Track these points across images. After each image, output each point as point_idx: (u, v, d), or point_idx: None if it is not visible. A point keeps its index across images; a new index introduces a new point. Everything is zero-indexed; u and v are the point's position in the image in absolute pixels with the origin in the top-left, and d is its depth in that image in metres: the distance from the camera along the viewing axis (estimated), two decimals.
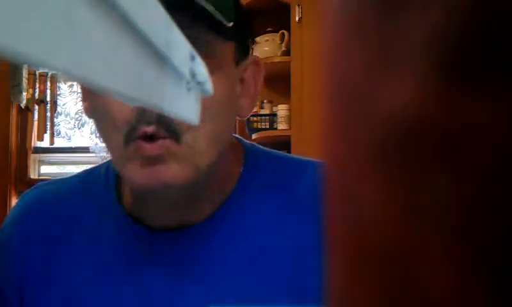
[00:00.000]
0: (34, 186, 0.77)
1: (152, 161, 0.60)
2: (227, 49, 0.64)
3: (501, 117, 0.15)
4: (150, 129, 0.59)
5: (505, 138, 0.15)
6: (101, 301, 0.67)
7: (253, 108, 0.73)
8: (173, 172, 0.60)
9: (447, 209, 0.16)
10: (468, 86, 0.15)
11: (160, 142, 0.59)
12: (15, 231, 0.72)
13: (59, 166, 3.19)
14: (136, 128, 0.59)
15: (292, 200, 0.69)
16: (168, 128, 0.59)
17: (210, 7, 0.57)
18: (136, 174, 0.61)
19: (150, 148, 0.59)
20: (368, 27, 0.17)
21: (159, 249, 0.67)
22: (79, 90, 2.89)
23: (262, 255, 0.66)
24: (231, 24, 0.61)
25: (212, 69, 0.47)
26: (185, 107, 0.32)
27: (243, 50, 0.68)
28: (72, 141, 3.00)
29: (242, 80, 0.69)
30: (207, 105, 0.51)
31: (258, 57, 0.75)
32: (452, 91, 0.15)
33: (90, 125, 2.93)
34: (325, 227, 0.20)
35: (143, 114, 0.59)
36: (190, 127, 0.59)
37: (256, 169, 0.71)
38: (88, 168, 0.81)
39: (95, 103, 0.66)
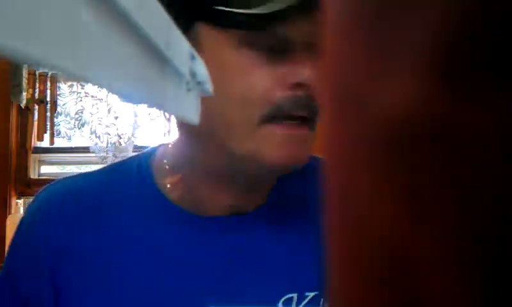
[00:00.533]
0: (54, 182, 0.77)
1: (293, 142, 0.64)
2: None
3: (493, 116, 0.15)
4: (303, 113, 0.64)
5: (497, 137, 0.15)
6: (162, 288, 0.66)
7: None
8: (307, 154, 0.66)
9: (444, 207, 0.16)
10: (463, 85, 0.15)
11: (306, 125, 0.65)
12: (49, 221, 0.71)
13: (59, 166, 3.19)
14: (282, 110, 0.62)
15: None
16: (312, 115, 0.64)
17: None
18: (273, 152, 0.63)
19: (301, 130, 0.64)
20: (367, 27, 0.17)
21: (213, 235, 0.68)
22: (79, 90, 2.89)
23: (301, 244, 0.70)
24: None
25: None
26: (185, 107, 0.32)
27: None
28: (71, 141, 3.00)
29: None
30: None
31: None
32: (450, 91, 0.15)
33: (90, 125, 2.93)
34: (325, 224, 0.20)
35: (298, 100, 0.63)
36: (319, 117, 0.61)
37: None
38: (110, 165, 0.80)
39: (224, 80, 0.63)
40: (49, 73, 2.88)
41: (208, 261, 0.68)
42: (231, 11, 0.59)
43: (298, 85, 0.63)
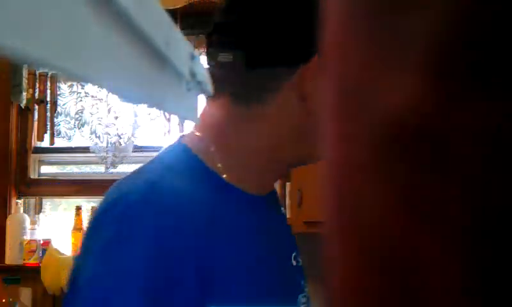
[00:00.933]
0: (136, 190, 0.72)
1: None
2: None
3: (491, 117, 0.15)
4: None
5: (495, 137, 0.15)
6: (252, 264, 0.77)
7: None
8: None
9: (446, 207, 0.16)
10: (460, 86, 0.15)
11: None
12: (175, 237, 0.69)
13: (59, 166, 3.19)
14: None
15: None
16: None
17: None
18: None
19: None
20: (367, 29, 0.17)
21: (263, 211, 0.84)
22: (79, 90, 2.89)
23: None
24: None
25: None
26: (185, 107, 0.32)
27: None
28: (71, 141, 3.00)
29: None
30: None
31: None
32: (448, 91, 0.15)
33: (90, 125, 2.93)
34: (326, 224, 0.20)
35: None
36: None
37: None
38: (161, 166, 0.80)
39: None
40: (49, 73, 2.88)
41: (276, 225, 0.87)
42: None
43: None
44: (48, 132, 2.91)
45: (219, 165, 0.80)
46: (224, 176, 0.80)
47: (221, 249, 0.73)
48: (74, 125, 2.95)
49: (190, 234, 0.70)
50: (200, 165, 0.79)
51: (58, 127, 2.95)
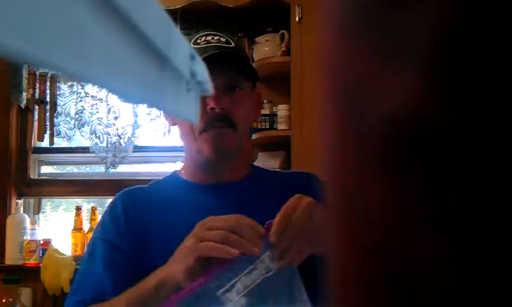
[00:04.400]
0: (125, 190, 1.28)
1: (213, 140, 1.23)
2: (250, 85, 1.26)
3: (482, 119, 0.15)
4: (219, 124, 1.20)
5: (494, 140, 0.15)
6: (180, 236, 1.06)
7: (259, 116, 1.50)
8: (225, 145, 1.24)
9: (445, 207, 0.16)
10: (460, 87, 0.15)
11: (227, 129, 1.23)
12: (124, 206, 1.20)
13: (59, 166, 3.19)
14: (208, 124, 1.20)
15: (287, 183, 1.25)
16: (227, 124, 1.21)
17: (245, 66, 1.24)
18: (205, 147, 1.23)
19: (220, 132, 1.24)
20: (367, 29, 0.17)
21: (221, 194, 1.21)
22: (79, 90, 2.89)
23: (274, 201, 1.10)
24: (252, 72, 1.26)
25: (246, 95, 1.23)
26: (185, 107, 0.32)
27: (254, 85, 1.30)
28: (71, 141, 3.00)
29: (255, 100, 1.30)
30: (242, 115, 1.22)
31: (257, 88, 1.37)
32: (449, 92, 0.15)
33: (90, 125, 2.93)
34: (327, 224, 0.20)
35: (214, 117, 1.20)
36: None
37: (259, 168, 1.39)
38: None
39: None
40: (49, 73, 2.89)
41: (203, 205, 1.18)
42: None
43: (212, 109, 1.16)
44: (48, 132, 2.92)
45: (181, 168, 1.31)
46: (183, 176, 1.28)
47: (146, 207, 1.19)
48: (74, 125, 2.95)
49: (131, 196, 1.23)
50: (174, 173, 1.31)
51: (58, 127, 2.95)
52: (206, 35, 1.24)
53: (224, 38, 1.23)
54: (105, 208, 1.27)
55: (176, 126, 1.32)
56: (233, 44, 1.23)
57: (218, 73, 1.16)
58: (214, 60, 1.14)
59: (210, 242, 0.98)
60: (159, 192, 1.25)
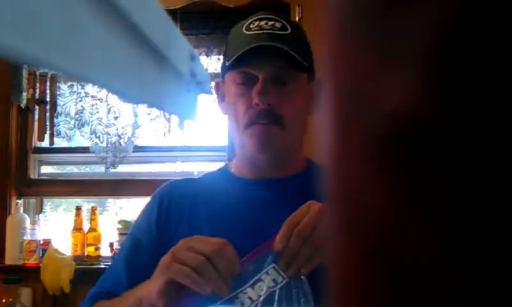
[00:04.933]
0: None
1: (260, 136, 1.16)
2: (303, 77, 1.15)
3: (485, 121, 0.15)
4: (263, 121, 1.13)
5: (495, 141, 0.15)
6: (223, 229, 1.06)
7: (316, 109, 1.25)
8: (273, 143, 1.18)
9: (446, 207, 0.16)
10: (460, 86, 0.15)
11: (273, 125, 1.14)
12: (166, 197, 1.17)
13: (59, 166, 3.19)
14: (252, 120, 1.15)
15: None
16: (272, 119, 1.14)
17: (298, 57, 1.09)
18: (250, 143, 1.17)
19: (266, 129, 1.17)
20: (367, 29, 0.17)
21: (264, 190, 1.15)
22: (79, 90, 2.89)
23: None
24: (306, 64, 1.12)
25: (298, 90, 1.13)
26: (185, 107, 0.32)
27: (312, 76, 1.18)
28: (71, 141, 3.00)
29: (311, 93, 1.19)
30: (293, 110, 1.13)
31: (320, 78, 1.23)
32: (449, 92, 0.15)
33: (90, 125, 2.93)
34: (328, 224, 0.20)
35: (259, 112, 1.12)
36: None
37: (317, 165, 1.21)
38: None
39: None
40: (49, 73, 2.88)
41: (244, 201, 1.13)
42: (225, 63, 1.15)
43: (257, 104, 1.08)
44: (48, 132, 2.91)
45: (231, 164, 1.25)
46: (232, 169, 1.22)
47: (184, 201, 1.15)
48: (74, 125, 2.94)
49: (170, 189, 1.19)
50: (224, 167, 1.26)
51: (58, 127, 2.94)
52: (260, 19, 1.14)
53: (280, 22, 1.13)
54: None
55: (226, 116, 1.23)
56: (289, 30, 1.12)
57: (265, 64, 1.08)
58: (265, 49, 1.06)
59: (185, 266, 0.93)
60: (204, 185, 1.20)
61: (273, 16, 1.16)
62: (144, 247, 1.12)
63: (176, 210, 1.15)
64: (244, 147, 1.15)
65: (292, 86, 1.12)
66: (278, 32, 1.11)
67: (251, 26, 1.13)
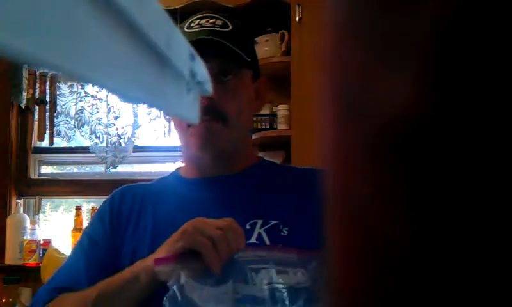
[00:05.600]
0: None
1: (201, 134, 1.16)
2: (247, 74, 1.15)
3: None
4: (207, 117, 1.13)
5: (496, 142, 0.15)
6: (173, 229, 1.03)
7: (263, 106, 1.27)
8: (214, 140, 1.17)
9: (447, 208, 0.16)
10: (459, 89, 0.15)
11: (214, 122, 1.13)
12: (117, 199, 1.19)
13: (59, 166, 3.19)
14: None
15: (294, 179, 1.15)
16: (215, 116, 1.12)
17: (241, 53, 1.08)
18: (191, 142, 1.17)
19: (208, 126, 1.16)
20: (367, 28, 0.17)
21: (208, 189, 1.14)
22: (79, 90, 2.89)
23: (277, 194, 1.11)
24: (249, 60, 1.12)
25: (240, 85, 1.12)
26: (185, 107, 0.32)
27: (256, 73, 1.19)
28: (71, 141, 3.00)
29: (256, 91, 1.19)
30: (236, 106, 1.11)
31: (264, 76, 1.25)
32: (449, 94, 0.15)
33: (90, 125, 2.93)
34: (325, 224, 0.20)
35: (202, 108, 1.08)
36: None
37: (267, 163, 1.25)
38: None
39: None
40: (49, 73, 2.88)
41: (187, 201, 1.13)
42: None
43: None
44: (48, 132, 2.92)
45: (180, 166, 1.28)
46: (180, 171, 1.23)
47: (135, 204, 1.16)
48: (74, 125, 2.95)
49: (123, 193, 1.20)
50: (176, 170, 1.26)
51: (58, 127, 2.94)
52: (201, 18, 1.13)
53: (222, 20, 1.12)
54: None
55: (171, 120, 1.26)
56: (230, 27, 1.11)
57: (206, 60, 1.03)
58: (203, 45, 1.03)
59: (206, 237, 0.91)
60: (154, 188, 1.20)
61: (215, 15, 1.14)
62: (100, 247, 1.13)
63: (125, 213, 1.15)
64: (187, 146, 1.13)
65: (235, 81, 1.10)
66: (218, 29, 1.09)
67: (192, 25, 1.12)
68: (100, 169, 2.98)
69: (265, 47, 2.69)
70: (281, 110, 2.65)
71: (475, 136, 0.15)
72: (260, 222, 1.05)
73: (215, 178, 1.14)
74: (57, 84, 2.92)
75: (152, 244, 1.06)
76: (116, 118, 2.92)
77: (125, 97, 0.23)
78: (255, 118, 2.66)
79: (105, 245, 1.13)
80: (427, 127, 0.16)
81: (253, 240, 1.03)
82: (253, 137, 2.66)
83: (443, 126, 0.16)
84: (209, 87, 0.35)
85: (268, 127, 2.67)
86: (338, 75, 0.19)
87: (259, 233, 1.04)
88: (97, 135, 2.93)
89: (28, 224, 2.79)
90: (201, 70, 0.33)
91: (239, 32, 1.12)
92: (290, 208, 1.07)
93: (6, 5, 0.14)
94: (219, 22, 1.10)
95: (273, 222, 1.05)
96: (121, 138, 2.90)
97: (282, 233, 1.04)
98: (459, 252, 0.16)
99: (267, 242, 1.03)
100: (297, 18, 2.52)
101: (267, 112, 2.69)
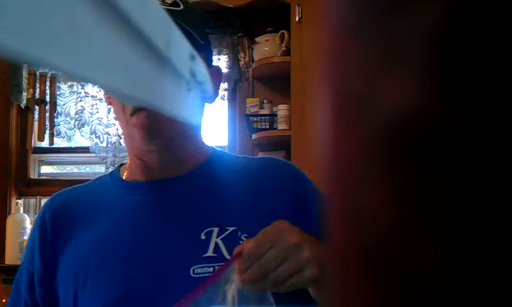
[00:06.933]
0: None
1: (139, 123, 1.02)
2: (201, 56, 0.91)
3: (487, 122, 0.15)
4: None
5: (497, 141, 0.15)
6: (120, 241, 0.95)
7: (216, 97, 1.11)
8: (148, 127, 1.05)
9: (446, 208, 0.16)
10: (461, 87, 0.15)
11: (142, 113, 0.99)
12: (47, 213, 1.02)
13: (59, 166, 3.19)
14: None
15: (251, 173, 1.03)
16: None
17: (192, 31, 0.95)
18: (134, 132, 1.03)
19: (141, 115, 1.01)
20: (368, 28, 0.17)
21: (155, 194, 1.01)
22: (79, 90, 2.89)
23: (229, 193, 0.99)
24: (202, 42, 0.99)
25: None
26: (185, 107, 0.32)
27: (209, 60, 1.06)
28: (71, 141, 3.00)
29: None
30: None
31: (219, 66, 1.15)
32: (450, 93, 0.15)
33: (90, 125, 2.93)
34: (325, 225, 0.20)
35: None
36: None
37: (221, 156, 1.09)
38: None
39: None
40: (49, 73, 2.89)
41: (144, 205, 1.00)
42: None
43: None
44: (48, 132, 2.92)
45: (125, 165, 1.11)
46: (121, 171, 1.09)
47: (68, 218, 1.01)
48: (74, 125, 2.95)
49: (52, 207, 1.03)
50: (114, 172, 1.11)
51: (58, 127, 2.95)
52: None
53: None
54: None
55: (111, 107, 1.05)
56: (181, 7, 0.98)
57: None
58: None
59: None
60: (90, 197, 1.04)
61: None
62: (36, 281, 0.98)
63: (60, 228, 1.00)
64: (131, 138, 0.99)
65: None
66: (168, 7, 0.96)
67: None
68: (100, 169, 2.98)
69: (265, 47, 2.69)
70: (281, 110, 2.65)
71: (477, 137, 0.15)
72: (216, 230, 0.94)
73: (162, 181, 1.01)
74: (57, 84, 2.92)
75: (94, 269, 0.93)
76: (116, 118, 2.92)
77: (125, 97, 0.23)
78: (254, 118, 2.66)
79: (40, 284, 0.98)
80: (429, 127, 0.16)
81: (210, 253, 0.92)
82: (253, 137, 2.67)
83: (445, 127, 0.16)
84: (209, 87, 0.35)
85: (268, 127, 2.67)
86: (340, 75, 0.19)
87: (216, 244, 0.93)
88: (97, 135, 2.93)
89: (28, 224, 2.79)
90: (201, 70, 0.33)
91: (191, 12, 1.00)
92: (248, 209, 0.96)
93: (6, 5, 0.14)
94: (169, 0, 0.97)
95: (231, 229, 0.94)
96: (121, 138, 2.90)
97: (241, 241, 0.92)
98: (466, 252, 0.16)
99: (226, 254, 0.92)
100: (297, 18, 2.52)
101: (267, 112, 2.69)
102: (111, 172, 1.11)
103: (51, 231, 0.99)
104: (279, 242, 0.77)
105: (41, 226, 1.00)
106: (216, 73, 1.07)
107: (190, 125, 1.00)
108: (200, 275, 0.89)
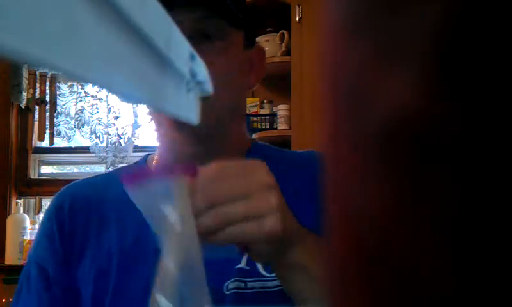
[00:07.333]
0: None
1: None
2: (237, 35, 0.86)
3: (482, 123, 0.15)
4: None
5: (497, 141, 0.15)
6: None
7: (258, 81, 0.96)
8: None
9: (446, 208, 0.16)
10: (461, 86, 0.15)
11: None
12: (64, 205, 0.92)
13: (59, 166, 3.19)
14: None
15: (290, 164, 0.91)
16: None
17: (229, 4, 0.80)
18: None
19: None
20: (367, 27, 0.17)
21: None
22: (79, 90, 2.88)
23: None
24: (241, 16, 0.84)
25: (222, 48, 0.81)
26: (185, 107, 0.32)
27: (250, 39, 0.92)
28: (71, 141, 3.00)
29: (250, 61, 0.91)
30: (218, 75, 0.72)
31: (261, 46, 1.01)
32: (450, 92, 0.15)
33: (90, 125, 2.93)
34: (325, 224, 0.20)
35: None
36: None
37: (263, 147, 0.97)
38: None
39: None
40: (49, 73, 2.89)
41: None
42: None
43: None
44: (48, 132, 2.92)
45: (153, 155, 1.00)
46: (148, 163, 0.96)
47: (85, 204, 0.91)
48: (74, 125, 2.95)
49: (75, 194, 0.93)
50: (140, 161, 0.99)
51: (58, 127, 2.95)
52: None
53: None
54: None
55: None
56: None
57: (182, 15, 0.76)
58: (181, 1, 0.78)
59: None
60: (114, 188, 0.90)
61: None
62: (52, 278, 0.88)
63: (80, 227, 0.89)
64: (160, 125, 0.86)
65: (220, 43, 0.81)
66: None
67: None
68: (100, 169, 2.98)
69: (265, 47, 2.69)
70: (281, 110, 2.65)
71: (478, 137, 0.15)
72: None
73: None
74: (57, 84, 2.92)
75: (118, 269, 0.85)
76: (116, 118, 2.92)
77: (125, 97, 0.23)
78: (254, 118, 2.66)
79: (61, 276, 0.89)
80: (429, 127, 0.16)
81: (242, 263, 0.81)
82: (253, 137, 2.66)
83: (445, 127, 0.16)
84: (209, 87, 0.35)
85: (268, 127, 2.67)
86: (340, 74, 0.19)
87: None
88: (97, 135, 2.93)
89: (28, 224, 2.79)
90: (201, 69, 0.33)
91: None
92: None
93: (6, 5, 0.14)
94: None
95: None
96: (121, 138, 2.90)
97: None
98: (466, 253, 0.16)
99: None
100: (297, 18, 2.52)
101: (267, 112, 2.69)
102: (137, 162, 0.98)
103: (70, 221, 0.89)
104: (244, 177, 0.62)
105: (58, 215, 0.90)
106: (257, 55, 0.93)
107: (228, 115, 0.87)
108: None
